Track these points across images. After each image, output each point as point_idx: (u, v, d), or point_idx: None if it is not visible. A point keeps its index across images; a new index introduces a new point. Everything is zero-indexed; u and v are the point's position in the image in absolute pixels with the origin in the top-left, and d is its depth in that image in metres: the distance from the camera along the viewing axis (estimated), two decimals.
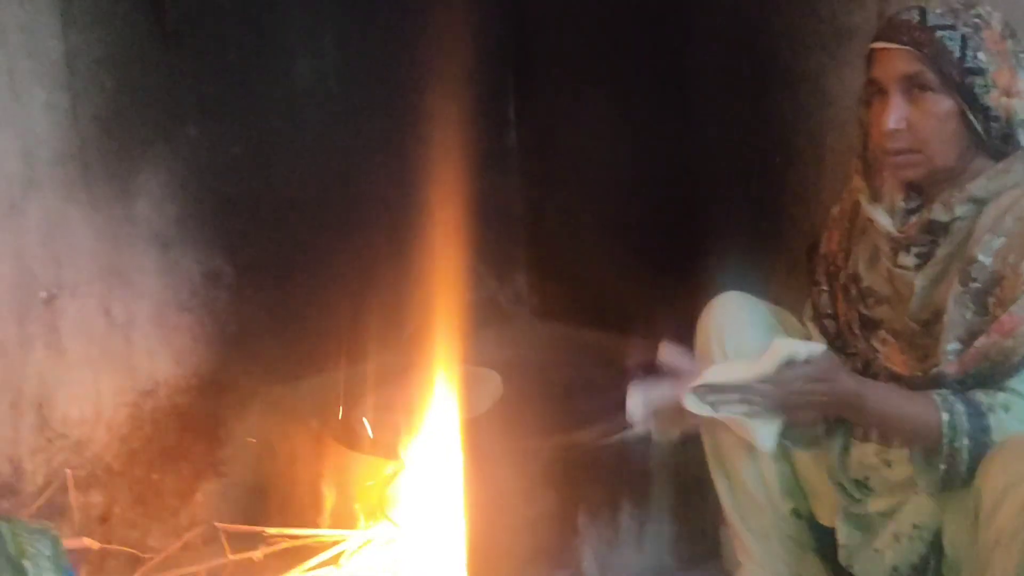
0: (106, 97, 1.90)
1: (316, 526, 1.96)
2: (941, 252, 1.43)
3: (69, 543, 1.83)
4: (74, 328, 1.90)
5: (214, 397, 2.06)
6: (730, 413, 1.41)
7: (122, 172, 1.93)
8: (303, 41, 2.16)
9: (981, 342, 1.37)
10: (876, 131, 1.42)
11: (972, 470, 1.35)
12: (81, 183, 1.88)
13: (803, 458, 1.65)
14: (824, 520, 1.65)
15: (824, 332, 1.61)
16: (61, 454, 1.91)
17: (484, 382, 2.02)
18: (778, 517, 1.67)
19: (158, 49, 1.95)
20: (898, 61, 1.39)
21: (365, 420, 1.94)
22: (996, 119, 1.37)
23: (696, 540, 1.89)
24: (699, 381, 1.40)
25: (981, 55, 1.36)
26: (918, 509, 1.49)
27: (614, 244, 2.40)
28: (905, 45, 1.38)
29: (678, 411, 1.44)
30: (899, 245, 1.47)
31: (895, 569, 1.51)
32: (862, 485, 1.53)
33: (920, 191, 1.47)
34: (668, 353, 1.45)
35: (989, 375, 1.38)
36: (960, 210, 1.41)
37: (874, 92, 1.42)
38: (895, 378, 1.47)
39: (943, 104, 1.37)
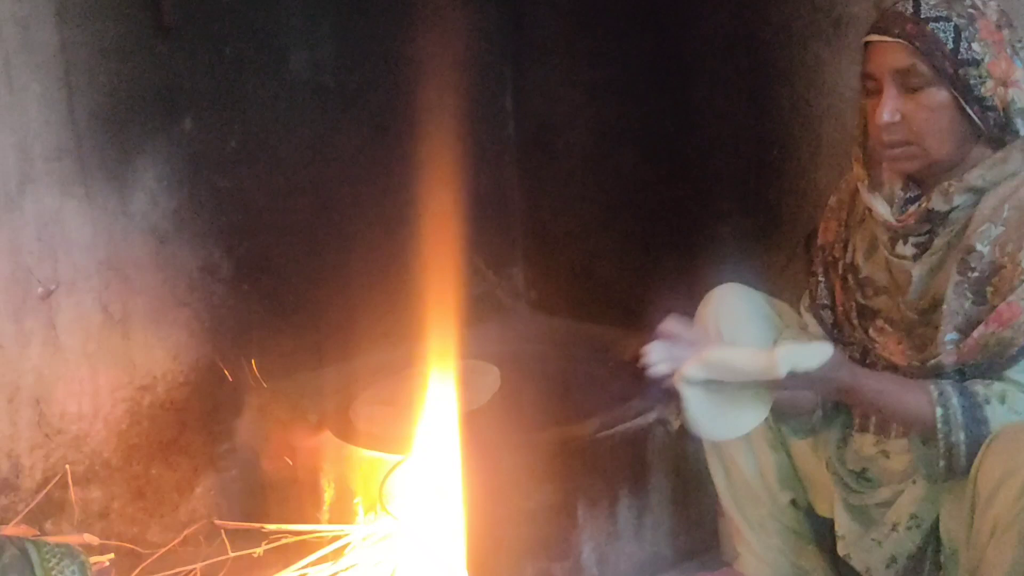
0: (102, 91, 1.90)
1: (315, 521, 1.96)
2: (939, 242, 1.43)
3: (69, 539, 1.83)
4: (71, 323, 1.89)
5: (212, 392, 2.05)
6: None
7: (118, 166, 1.93)
8: (299, 34, 2.15)
9: (979, 332, 1.37)
10: (872, 124, 1.42)
11: (971, 460, 1.35)
12: (77, 177, 1.88)
13: (801, 449, 1.66)
14: (822, 511, 1.65)
15: (821, 322, 1.62)
16: (59, 450, 1.90)
17: (482, 375, 2.02)
18: (776, 508, 1.68)
19: (154, 42, 1.94)
20: (891, 54, 1.38)
21: (363, 415, 1.94)
22: (992, 109, 1.37)
23: (694, 531, 1.89)
24: (700, 359, 1.39)
25: (975, 46, 1.35)
26: (916, 499, 1.50)
27: (612, 237, 2.40)
28: (897, 38, 1.37)
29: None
30: (897, 234, 1.47)
31: (893, 559, 1.52)
32: (860, 476, 1.54)
33: (919, 181, 1.47)
34: (673, 324, 1.44)
35: (988, 365, 1.38)
36: (958, 199, 1.41)
37: (869, 85, 1.42)
38: (893, 368, 1.48)
39: (937, 96, 1.37)
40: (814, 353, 1.37)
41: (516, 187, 2.54)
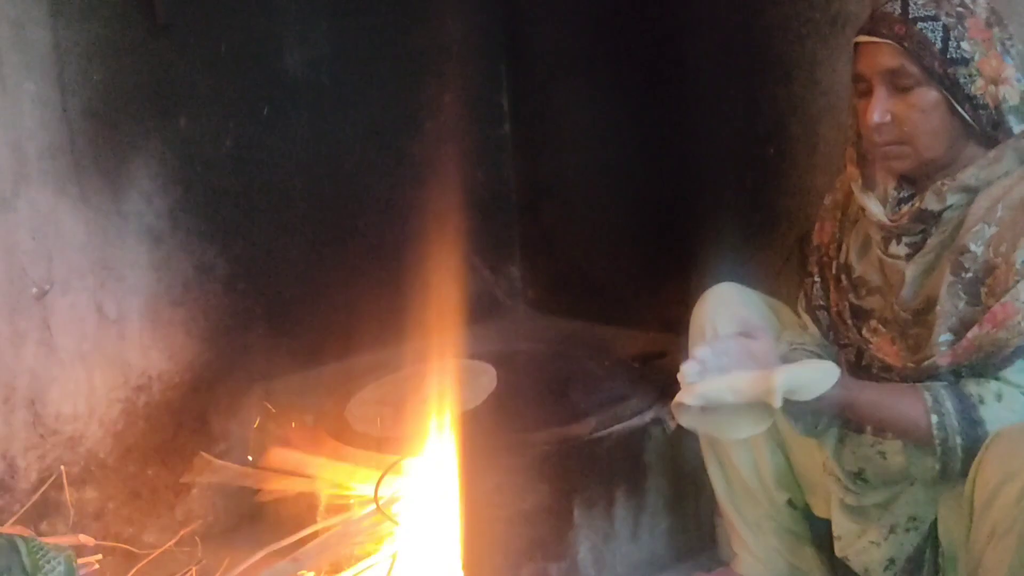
0: (96, 90, 1.89)
1: (312, 521, 1.96)
2: (932, 241, 1.43)
3: (64, 540, 1.83)
4: (66, 324, 1.89)
5: (208, 392, 2.05)
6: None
7: (113, 165, 1.92)
8: (295, 32, 2.14)
9: (974, 333, 1.36)
10: (863, 124, 1.41)
11: (968, 462, 1.35)
12: (72, 177, 1.87)
13: (798, 449, 1.65)
14: (819, 511, 1.65)
15: (818, 323, 1.62)
16: (55, 450, 1.90)
17: (478, 375, 2.02)
18: (773, 508, 1.67)
19: (148, 41, 1.93)
20: (880, 55, 1.38)
21: (359, 415, 1.93)
22: (984, 107, 1.36)
23: (691, 531, 1.89)
24: (693, 394, 1.39)
25: (964, 44, 1.35)
26: (914, 500, 1.50)
27: (609, 236, 2.39)
28: (886, 39, 1.37)
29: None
30: (890, 234, 1.46)
31: (891, 561, 1.51)
32: (857, 476, 1.53)
33: (912, 180, 1.46)
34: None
35: (982, 366, 1.37)
36: (952, 199, 1.40)
37: (860, 86, 1.42)
38: (887, 369, 1.47)
39: (928, 96, 1.36)
40: (817, 378, 1.37)
41: (513, 186, 2.53)
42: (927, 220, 1.42)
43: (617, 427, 1.82)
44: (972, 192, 1.39)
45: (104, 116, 1.90)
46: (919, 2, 1.36)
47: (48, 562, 1.28)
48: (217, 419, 2.07)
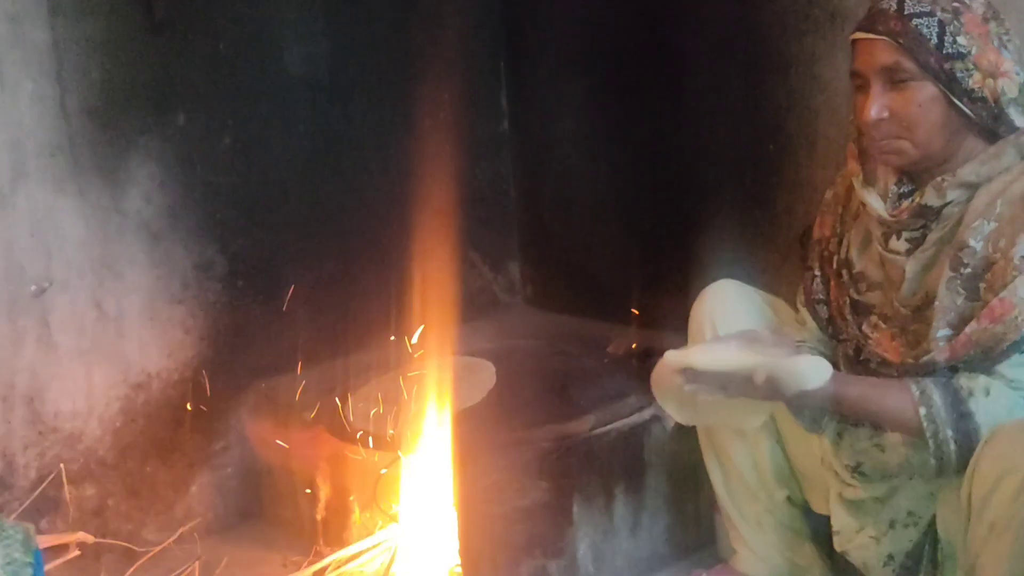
0: (95, 87, 1.88)
1: (311, 519, 1.96)
2: (932, 237, 1.43)
3: (64, 537, 1.83)
4: (65, 321, 1.89)
5: (207, 389, 2.04)
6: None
7: (111, 163, 1.92)
8: (294, 29, 2.14)
9: (971, 328, 1.36)
10: (861, 121, 1.41)
11: (963, 456, 1.35)
12: (70, 174, 1.87)
13: (797, 444, 1.65)
14: (818, 507, 1.65)
15: (816, 317, 1.61)
16: (54, 448, 1.89)
17: (478, 372, 2.02)
18: (772, 504, 1.67)
19: (147, 38, 1.93)
20: (876, 52, 1.38)
21: (358, 412, 1.93)
22: (982, 101, 1.36)
23: (690, 528, 1.89)
24: (685, 361, 1.40)
25: (961, 39, 1.35)
26: (912, 495, 1.50)
27: (608, 232, 2.39)
28: (882, 35, 1.37)
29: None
30: (890, 229, 1.46)
31: (890, 556, 1.51)
32: (856, 470, 1.53)
33: (912, 176, 1.46)
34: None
35: (979, 361, 1.37)
36: (952, 195, 1.40)
37: (857, 82, 1.42)
38: (886, 364, 1.47)
39: (925, 91, 1.36)
40: (806, 372, 1.38)
41: (512, 183, 2.53)
42: (927, 216, 1.42)
43: (616, 424, 1.82)
44: (972, 188, 1.39)
45: (102, 113, 1.90)
46: None
47: (4, 530, 1.29)
48: (217, 417, 2.07)
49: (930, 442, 1.37)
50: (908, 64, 1.35)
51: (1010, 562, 1.32)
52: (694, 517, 1.88)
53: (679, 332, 1.71)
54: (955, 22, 1.35)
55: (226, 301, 2.07)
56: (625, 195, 2.33)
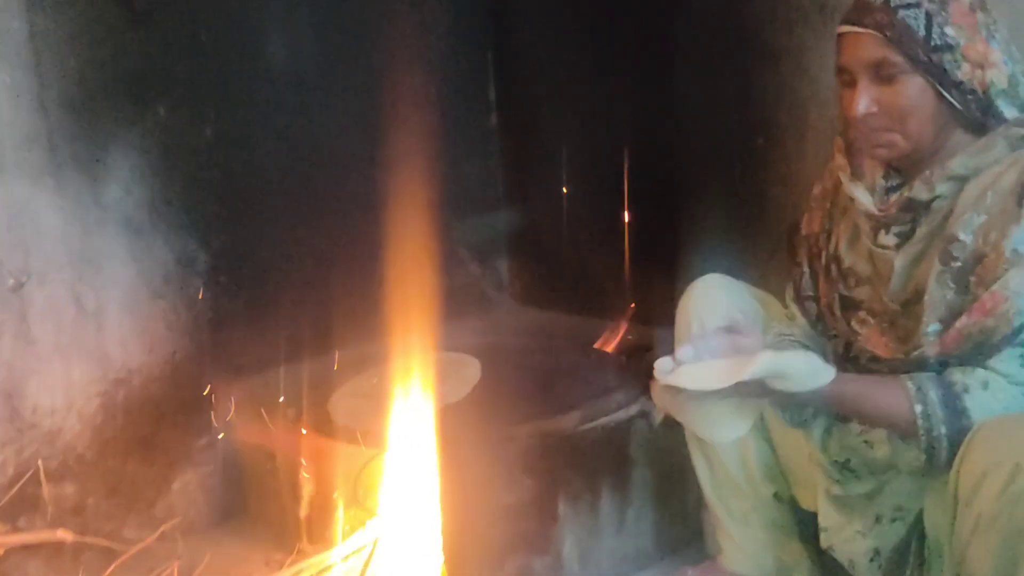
0: (73, 80, 1.86)
1: (294, 516, 1.94)
2: (921, 231, 1.41)
3: (43, 535, 1.81)
4: (43, 316, 1.86)
5: (189, 385, 2.02)
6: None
7: (90, 156, 1.89)
8: (278, 21, 2.12)
9: (962, 322, 1.35)
10: (849, 115, 1.40)
11: (954, 453, 1.33)
12: (48, 167, 1.84)
13: (784, 440, 1.64)
14: (806, 504, 1.64)
15: (806, 313, 1.60)
16: (32, 445, 1.87)
17: (462, 368, 2.00)
18: (759, 501, 1.66)
19: (126, 30, 1.91)
20: (863, 46, 1.36)
21: (342, 408, 1.91)
22: (972, 92, 1.34)
23: (677, 526, 1.87)
24: (672, 380, 1.38)
25: (948, 30, 1.33)
26: (899, 491, 1.48)
27: (597, 228, 2.38)
28: (868, 28, 1.35)
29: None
30: (879, 224, 1.45)
31: (876, 552, 1.50)
32: (843, 466, 1.52)
33: (900, 170, 1.44)
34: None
35: (970, 355, 1.35)
36: (940, 188, 1.38)
37: (844, 77, 1.40)
38: (876, 360, 1.46)
39: (914, 84, 1.34)
40: (807, 372, 1.36)
41: (500, 178, 2.51)
42: (916, 209, 1.41)
43: (602, 420, 1.80)
44: (961, 181, 1.38)
45: (81, 106, 1.87)
46: None
47: None
48: (199, 413, 2.05)
49: (923, 439, 1.35)
50: (896, 58, 1.34)
51: (997, 557, 1.30)
52: (681, 514, 1.87)
53: (668, 327, 1.69)
54: (942, 12, 1.33)
55: (209, 296, 2.05)
56: (613, 189, 2.32)
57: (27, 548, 1.83)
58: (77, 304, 1.90)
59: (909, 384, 1.36)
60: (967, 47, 1.33)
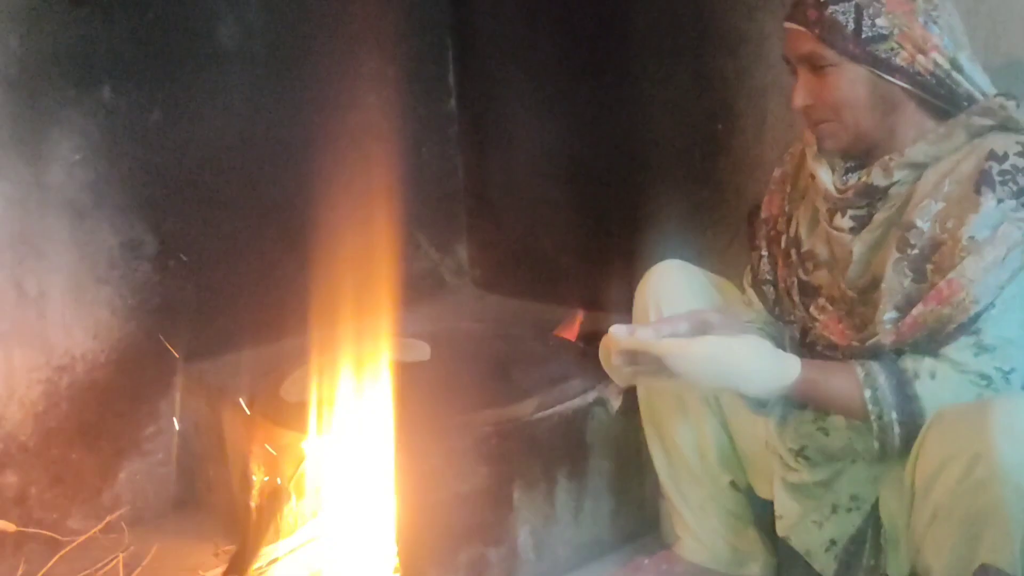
0: (14, 58, 1.81)
1: (244, 505, 1.90)
2: (879, 217, 1.40)
3: None
4: None
5: (136, 373, 1.99)
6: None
7: (32, 136, 1.84)
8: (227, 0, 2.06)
9: (918, 310, 1.34)
10: (792, 107, 1.41)
11: (907, 439, 1.33)
12: None
13: (741, 428, 1.63)
14: (762, 492, 1.63)
15: (763, 298, 1.60)
16: None
17: (413, 349, 1.97)
18: (716, 489, 1.65)
19: (70, 8, 1.86)
20: (796, 40, 1.38)
21: (293, 396, 1.87)
22: (919, 75, 1.35)
23: (634, 514, 1.86)
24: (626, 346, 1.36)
25: (880, 21, 1.34)
26: (855, 480, 1.48)
27: (557, 214, 2.35)
28: (799, 25, 1.37)
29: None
30: (836, 206, 1.44)
31: (832, 541, 1.50)
32: (799, 454, 1.51)
33: (858, 156, 1.43)
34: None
35: (926, 343, 1.35)
36: (899, 175, 1.38)
37: (789, 67, 1.42)
38: (832, 347, 1.45)
39: (847, 74, 1.35)
40: (768, 371, 1.36)
41: (459, 162, 2.48)
42: (872, 195, 1.40)
43: (559, 407, 1.78)
44: (920, 168, 1.37)
45: (22, 85, 1.82)
46: None
47: None
48: (146, 400, 2.00)
49: (874, 425, 1.35)
50: (825, 52, 1.35)
51: (954, 547, 1.30)
52: (637, 503, 1.85)
53: (626, 314, 1.67)
54: (875, 4, 1.34)
55: (156, 282, 2.01)
56: (573, 176, 2.30)
57: None
58: (18, 289, 1.85)
59: (859, 369, 1.36)
60: (902, 36, 1.34)
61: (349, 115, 2.22)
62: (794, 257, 1.52)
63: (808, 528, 1.51)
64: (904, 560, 1.42)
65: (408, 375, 1.83)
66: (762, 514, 1.63)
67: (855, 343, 1.41)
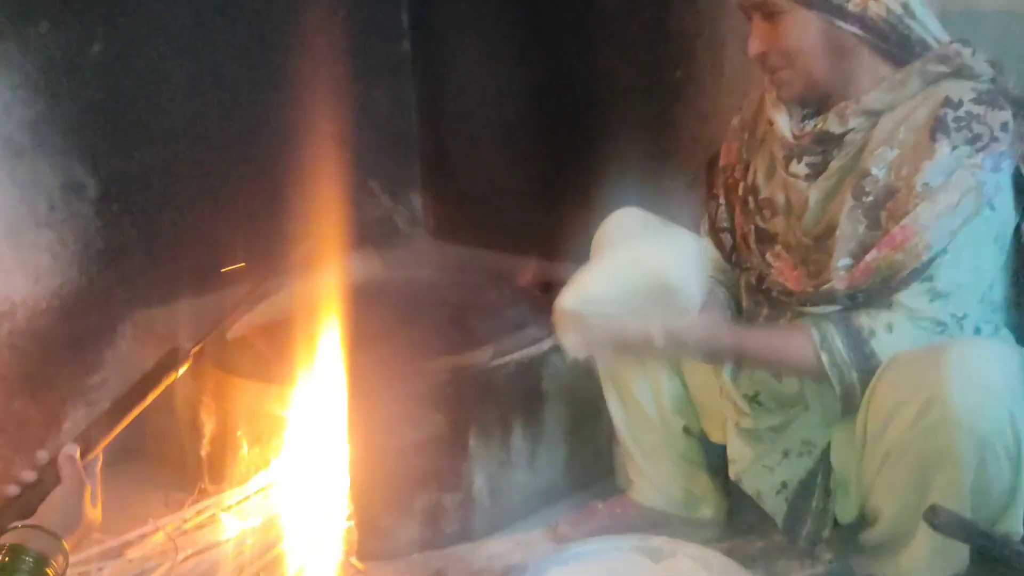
0: None
1: (195, 455, 1.87)
2: (835, 165, 1.41)
3: None
4: None
5: (79, 320, 1.93)
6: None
7: None
8: None
9: (872, 256, 1.35)
10: (748, 56, 1.41)
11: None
12: None
13: (695, 374, 1.64)
14: (715, 437, 1.65)
15: (720, 246, 1.60)
16: None
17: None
18: (670, 434, 1.66)
19: None
20: None
21: (244, 343, 1.84)
22: (871, 21, 1.34)
23: (589, 460, 1.87)
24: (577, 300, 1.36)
25: None
26: (807, 425, 1.50)
27: (513, 160, 2.33)
28: None
29: None
30: (792, 152, 1.44)
31: (784, 484, 1.52)
32: (753, 400, 1.53)
33: (816, 103, 1.43)
34: None
35: (879, 290, 1.36)
36: (854, 122, 1.38)
37: (745, 15, 1.41)
38: (787, 293, 1.46)
39: (797, 21, 1.35)
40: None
41: (414, 107, 2.43)
42: (828, 142, 1.40)
43: (515, 355, 1.77)
44: (876, 115, 1.38)
45: None
46: None
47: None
48: (91, 348, 1.94)
49: (836, 387, 1.37)
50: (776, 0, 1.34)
51: (903, 490, 1.34)
52: (592, 449, 1.86)
53: (583, 262, 1.66)
54: None
55: (99, 225, 1.94)
56: (530, 122, 2.26)
57: None
58: None
59: (814, 333, 1.37)
60: None
61: (298, 56, 2.15)
62: (751, 205, 1.52)
63: (760, 472, 1.53)
64: (853, 503, 1.46)
65: (363, 323, 1.80)
66: (715, 459, 1.65)
67: (809, 289, 1.43)
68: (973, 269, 1.34)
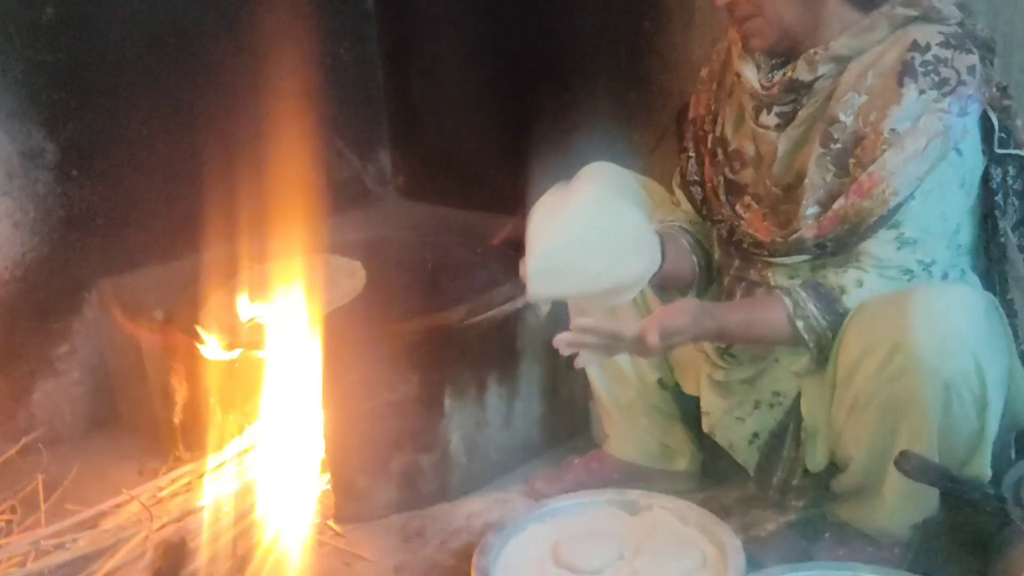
0: None
1: (168, 423, 1.85)
2: (804, 113, 1.40)
3: None
4: None
5: (43, 289, 1.89)
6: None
7: None
8: None
9: (839, 203, 1.35)
10: (717, 6, 1.39)
11: None
12: None
13: None
14: (689, 389, 1.65)
15: (690, 199, 1.59)
16: None
17: (348, 274, 1.91)
18: (644, 388, 1.67)
19: None
20: None
21: (216, 311, 1.81)
22: None
23: (564, 416, 1.87)
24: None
25: None
26: (777, 376, 1.51)
27: (482, 117, 2.29)
28: None
29: None
30: (762, 103, 1.43)
31: (755, 435, 1.53)
32: (725, 352, 1.53)
33: (785, 52, 1.41)
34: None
35: (847, 238, 1.36)
36: (823, 68, 1.37)
37: None
38: (757, 244, 1.46)
39: None
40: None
41: (380, 65, 2.38)
42: (798, 90, 1.40)
43: (489, 313, 1.76)
44: (844, 61, 1.37)
45: None
46: None
47: None
48: (57, 318, 1.91)
49: (814, 351, 1.38)
50: None
51: (871, 436, 1.35)
52: (568, 405, 1.87)
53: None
54: None
55: (60, 193, 1.90)
56: (498, 77, 2.23)
57: None
58: None
59: (787, 301, 1.37)
60: None
61: (260, 14, 2.10)
62: (720, 156, 1.51)
63: (732, 423, 1.54)
64: (823, 452, 1.47)
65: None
66: (688, 411, 1.66)
67: (779, 239, 1.43)
68: (939, 215, 1.35)
